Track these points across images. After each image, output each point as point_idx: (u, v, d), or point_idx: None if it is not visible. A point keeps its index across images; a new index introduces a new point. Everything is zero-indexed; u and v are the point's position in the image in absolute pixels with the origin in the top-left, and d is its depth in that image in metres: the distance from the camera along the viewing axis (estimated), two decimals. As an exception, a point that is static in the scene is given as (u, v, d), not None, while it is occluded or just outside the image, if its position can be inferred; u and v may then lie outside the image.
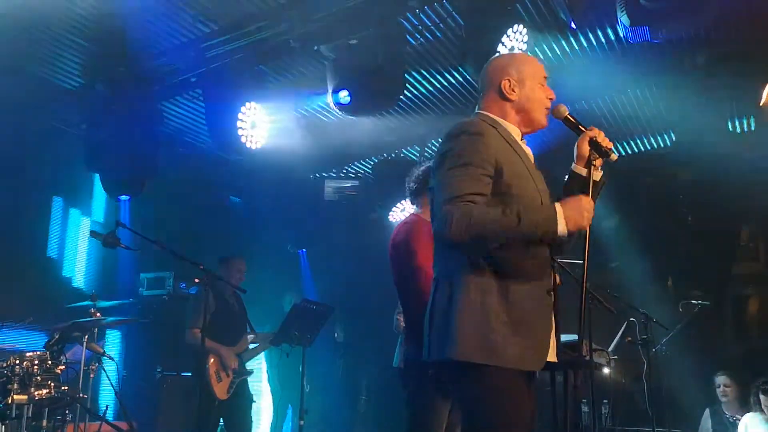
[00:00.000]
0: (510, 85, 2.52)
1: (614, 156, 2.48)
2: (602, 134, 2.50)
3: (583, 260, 2.42)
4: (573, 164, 2.57)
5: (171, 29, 5.22)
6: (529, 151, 2.56)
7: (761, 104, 5.32)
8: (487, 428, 2.27)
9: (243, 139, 5.39)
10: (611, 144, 2.49)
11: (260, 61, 5.40)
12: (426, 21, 5.03)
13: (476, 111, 2.60)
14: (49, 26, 5.07)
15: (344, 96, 4.80)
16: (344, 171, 7.60)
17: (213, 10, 5.00)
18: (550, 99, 2.57)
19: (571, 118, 2.57)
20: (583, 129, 2.55)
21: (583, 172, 2.51)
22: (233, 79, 5.38)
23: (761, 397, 5.43)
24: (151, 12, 4.96)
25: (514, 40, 4.57)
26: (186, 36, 5.32)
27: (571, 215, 2.26)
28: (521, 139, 2.57)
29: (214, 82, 5.46)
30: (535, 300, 2.36)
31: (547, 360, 2.39)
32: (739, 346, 7.47)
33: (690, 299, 6.04)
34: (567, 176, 2.59)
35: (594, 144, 2.49)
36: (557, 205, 2.27)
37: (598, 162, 2.50)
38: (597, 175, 2.51)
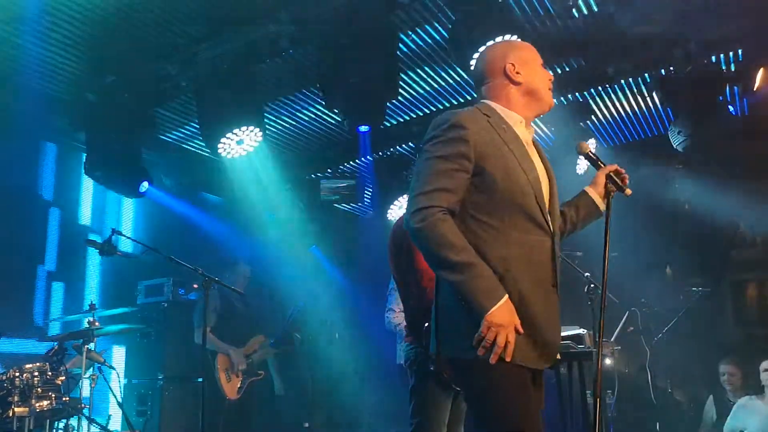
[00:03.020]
0: (514, 69, 2.52)
1: (629, 191, 2.65)
2: (622, 171, 2.65)
3: (603, 255, 2.52)
4: (589, 187, 2.70)
5: (160, 34, 5.18)
6: (529, 138, 2.54)
7: (755, 89, 5.33)
8: (498, 424, 2.25)
9: (221, 150, 5.41)
10: (627, 178, 2.65)
11: (251, 63, 5.36)
12: (417, 17, 5.01)
13: (480, 101, 2.57)
14: (37, 35, 5.03)
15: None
16: (339, 170, 7.57)
17: (202, 13, 4.97)
18: (551, 80, 2.60)
19: (592, 155, 2.74)
20: (602, 164, 2.71)
21: (596, 199, 2.66)
22: (224, 81, 5.34)
23: (763, 375, 5.42)
24: (140, 18, 4.93)
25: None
26: (175, 40, 5.28)
27: (501, 314, 2.17)
28: (527, 126, 2.55)
29: (206, 85, 5.42)
30: (541, 295, 2.34)
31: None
32: (740, 332, 7.48)
33: (690, 287, 6.04)
34: (579, 193, 2.70)
35: (611, 179, 2.63)
36: (506, 297, 2.21)
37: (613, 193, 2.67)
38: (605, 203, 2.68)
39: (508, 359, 2.18)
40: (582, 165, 6.28)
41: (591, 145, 5.91)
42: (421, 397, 3.51)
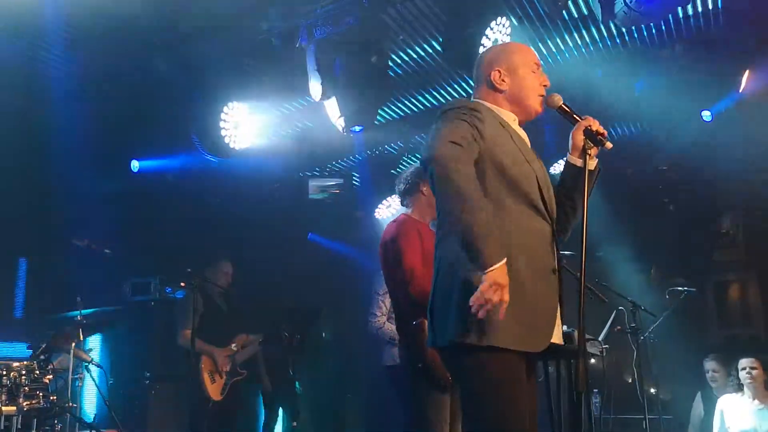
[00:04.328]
0: (500, 76, 2.53)
1: (609, 144, 2.47)
2: (597, 123, 2.49)
3: (580, 251, 2.38)
4: (567, 154, 2.57)
5: (150, 30, 5.15)
6: (524, 135, 2.56)
7: (740, 91, 5.40)
8: (487, 411, 2.24)
9: (227, 140, 5.34)
10: (606, 132, 2.48)
11: (242, 60, 5.35)
12: (409, 16, 5.02)
13: (471, 100, 2.60)
14: (24, 30, 4.98)
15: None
16: (327, 169, 7.56)
17: (192, 8, 4.94)
18: (545, 86, 2.56)
19: (566, 108, 2.56)
20: (577, 118, 2.54)
21: (578, 162, 2.52)
22: (214, 78, 5.33)
23: (741, 374, 5.50)
24: (129, 12, 4.89)
25: (498, 32, 4.58)
26: (165, 35, 5.25)
27: (501, 274, 2.12)
28: (518, 125, 2.57)
29: (195, 82, 5.40)
30: (540, 280, 2.34)
31: (553, 342, 2.36)
32: (723, 331, 7.58)
33: (674, 287, 6.11)
34: (563, 167, 2.59)
35: (588, 133, 2.48)
36: (503, 261, 2.15)
37: (593, 151, 2.49)
38: (591, 164, 2.50)
39: (501, 317, 2.14)
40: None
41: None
42: (419, 397, 3.51)
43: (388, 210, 7.03)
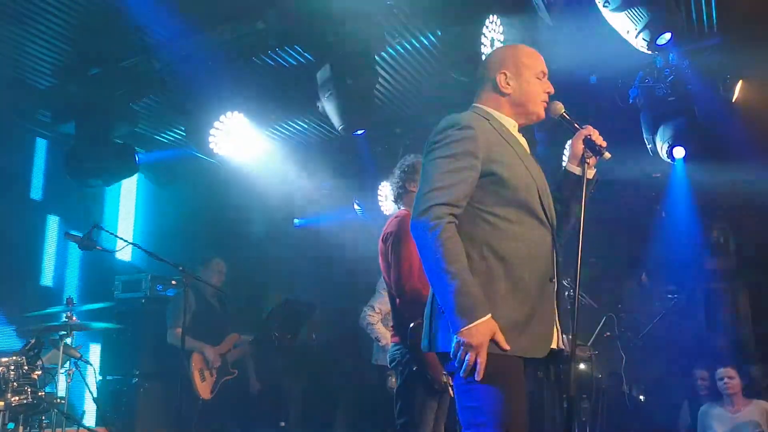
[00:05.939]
0: (506, 79, 2.53)
1: (608, 155, 2.49)
2: (596, 132, 2.51)
3: (575, 259, 2.41)
4: (566, 162, 2.59)
5: (145, 27, 5.14)
6: (524, 141, 2.57)
7: (733, 100, 5.43)
8: (486, 408, 2.26)
9: (212, 145, 5.36)
10: (605, 143, 2.51)
11: (237, 61, 5.35)
12: (404, 20, 5.03)
13: (473, 104, 2.60)
14: (20, 25, 4.97)
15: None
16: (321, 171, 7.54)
17: (188, 7, 4.94)
18: (548, 93, 2.56)
19: (567, 116, 2.57)
20: (578, 127, 2.56)
21: (577, 171, 2.55)
22: (209, 78, 5.33)
23: (719, 384, 5.56)
24: (125, 10, 4.88)
25: (493, 31, 4.59)
26: (161, 34, 5.25)
27: (470, 334, 2.17)
28: (518, 131, 2.57)
29: (189, 81, 5.40)
30: (539, 288, 2.37)
31: (552, 347, 2.38)
32: (713, 338, 7.59)
33: (665, 294, 6.13)
34: (561, 175, 2.61)
35: (588, 142, 2.50)
36: (485, 317, 2.19)
37: (592, 160, 2.51)
38: (590, 173, 2.52)
39: (478, 378, 2.17)
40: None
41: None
42: (408, 397, 3.54)
43: (388, 202, 7.00)
